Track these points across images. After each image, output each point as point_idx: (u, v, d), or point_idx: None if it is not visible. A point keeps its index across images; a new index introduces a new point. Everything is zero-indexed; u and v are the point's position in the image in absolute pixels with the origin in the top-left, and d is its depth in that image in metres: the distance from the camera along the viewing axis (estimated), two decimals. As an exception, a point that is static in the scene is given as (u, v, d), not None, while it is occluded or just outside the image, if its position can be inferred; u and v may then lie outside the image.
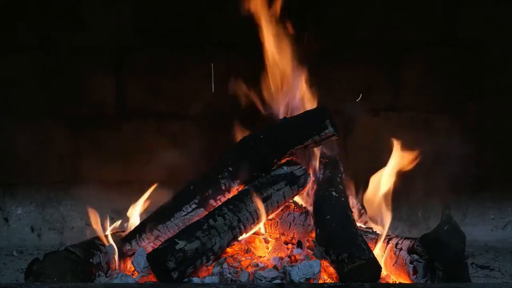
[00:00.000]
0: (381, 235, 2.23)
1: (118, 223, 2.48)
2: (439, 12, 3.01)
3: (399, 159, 2.45)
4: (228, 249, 2.20)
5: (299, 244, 2.29)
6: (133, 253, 2.26)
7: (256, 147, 2.33)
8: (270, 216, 2.33)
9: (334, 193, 2.30)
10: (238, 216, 2.14)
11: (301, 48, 2.52)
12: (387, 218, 2.29)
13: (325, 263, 2.08)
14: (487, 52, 3.02)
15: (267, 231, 2.41)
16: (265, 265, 2.15)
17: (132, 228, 2.37)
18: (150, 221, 2.33)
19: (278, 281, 1.99)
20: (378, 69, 3.04)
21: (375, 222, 2.44)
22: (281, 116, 2.46)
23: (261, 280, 2.00)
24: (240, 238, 2.21)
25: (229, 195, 2.30)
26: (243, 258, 2.19)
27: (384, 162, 2.49)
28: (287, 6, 2.53)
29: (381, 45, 3.01)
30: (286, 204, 2.35)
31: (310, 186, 2.39)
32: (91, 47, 3.01)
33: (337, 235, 2.07)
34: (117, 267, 2.26)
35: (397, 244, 2.14)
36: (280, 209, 2.34)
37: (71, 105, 3.05)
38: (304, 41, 2.58)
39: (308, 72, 2.51)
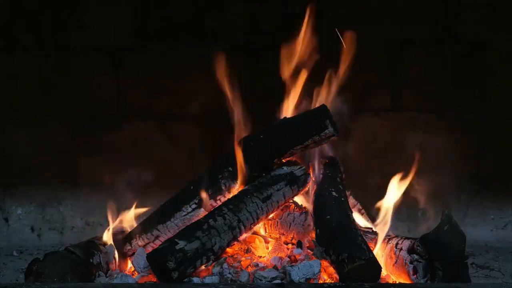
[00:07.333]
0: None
1: (117, 223, 2.47)
2: (439, 12, 3.01)
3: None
4: (228, 249, 2.20)
5: (299, 244, 2.29)
6: (133, 253, 2.26)
7: (256, 147, 2.33)
8: (270, 216, 2.33)
9: (334, 193, 2.30)
10: (238, 216, 2.14)
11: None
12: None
13: (325, 263, 2.08)
14: (487, 52, 3.02)
15: (267, 231, 2.41)
16: (265, 265, 2.15)
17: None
18: (150, 221, 2.33)
19: (278, 281, 1.99)
20: (378, 69, 3.04)
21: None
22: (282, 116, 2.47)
23: (261, 280, 2.00)
24: (240, 238, 2.22)
25: (229, 195, 2.30)
26: (243, 258, 2.19)
27: (383, 163, 2.50)
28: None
29: (381, 45, 3.01)
30: (286, 204, 2.35)
31: (310, 186, 2.39)
32: (91, 47, 3.01)
33: (337, 235, 2.07)
34: (117, 267, 2.26)
35: (397, 244, 2.14)
36: (280, 209, 2.34)
37: (71, 105, 3.05)
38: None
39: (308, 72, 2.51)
